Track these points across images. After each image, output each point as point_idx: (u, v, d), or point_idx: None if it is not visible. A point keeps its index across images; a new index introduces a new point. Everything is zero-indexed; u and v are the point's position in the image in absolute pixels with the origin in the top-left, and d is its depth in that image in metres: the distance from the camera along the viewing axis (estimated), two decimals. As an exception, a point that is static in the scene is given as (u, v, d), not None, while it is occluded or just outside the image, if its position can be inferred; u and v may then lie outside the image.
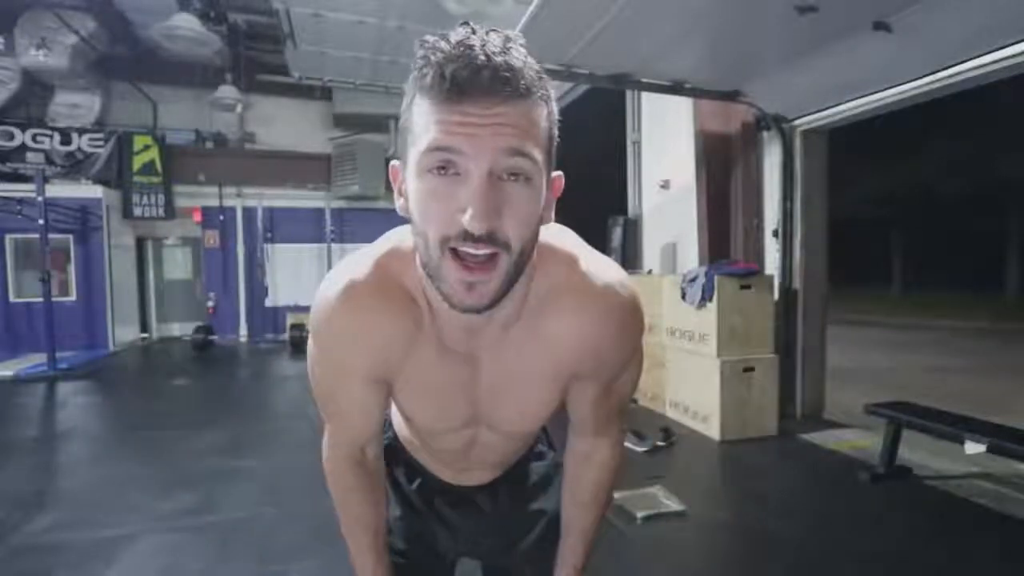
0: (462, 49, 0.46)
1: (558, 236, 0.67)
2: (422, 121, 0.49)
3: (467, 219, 0.47)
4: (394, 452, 0.91)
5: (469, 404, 0.71)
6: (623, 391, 0.76)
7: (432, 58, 0.47)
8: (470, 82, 0.46)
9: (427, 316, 0.64)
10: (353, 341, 0.64)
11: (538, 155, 0.49)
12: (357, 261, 0.65)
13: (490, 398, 0.70)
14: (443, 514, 0.90)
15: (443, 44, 0.47)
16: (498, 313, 0.60)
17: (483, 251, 0.49)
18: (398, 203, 0.57)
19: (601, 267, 0.66)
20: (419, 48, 0.49)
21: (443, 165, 0.48)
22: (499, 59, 0.46)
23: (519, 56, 0.48)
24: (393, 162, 0.58)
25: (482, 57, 0.46)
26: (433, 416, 0.74)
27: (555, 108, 0.54)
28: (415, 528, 0.90)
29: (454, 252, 0.50)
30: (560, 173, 0.58)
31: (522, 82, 0.47)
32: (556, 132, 0.54)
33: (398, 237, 0.66)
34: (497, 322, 0.63)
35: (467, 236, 0.48)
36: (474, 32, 0.48)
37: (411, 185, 0.52)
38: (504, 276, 0.51)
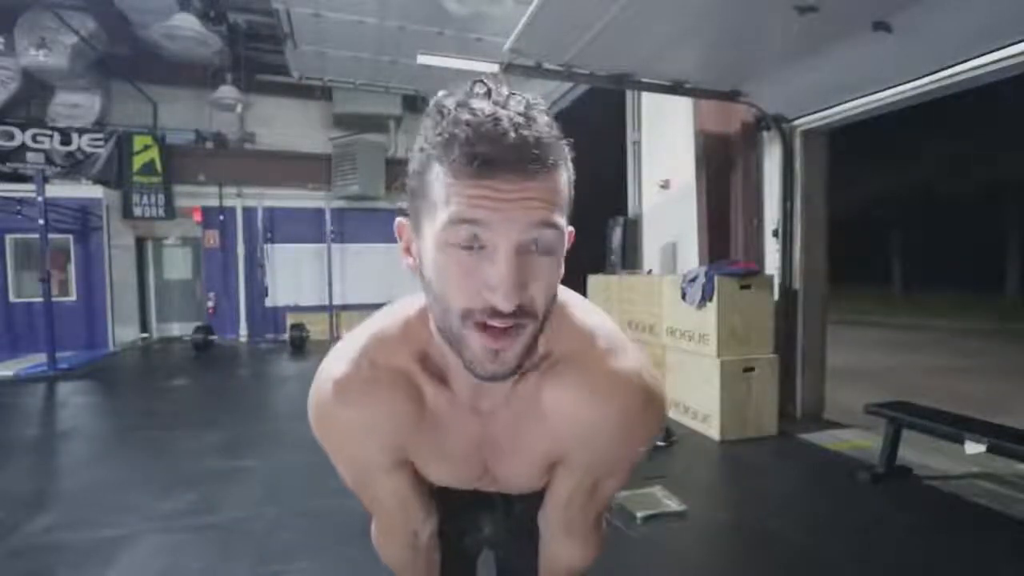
0: (489, 125, 0.45)
1: (580, 306, 0.66)
2: (443, 191, 0.47)
3: (497, 298, 0.46)
4: None
5: (479, 462, 0.70)
6: (607, 493, 0.72)
7: (458, 133, 0.46)
8: (500, 159, 0.45)
9: (430, 387, 0.63)
10: (360, 436, 0.64)
11: (562, 222, 0.49)
12: (342, 355, 0.64)
13: (493, 455, 0.69)
14: (460, 512, 0.91)
15: (467, 116, 0.46)
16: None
17: (509, 324, 0.49)
18: (406, 261, 0.56)
19: (622, 350, 0.63)
20: (437, 114, 0.48)
21: (468, 239, 0.47)
22: (526, 133, 0.45)
23: (543, 124, 0.47)
24: (399, 219, 0.57)
25: (512, 134, 0.45)
26: (443, 478, 0.74)
27: (571, 165, 0.53)
28: (434, 525, 0.91)
29: (477, 324, 0.49)
30: (572, 228, 0.57)
31: (550, 157, 0.47)
32: (572, 191, 0.54)
33: (382, 321, 0.66)
34: (506, 383, 0.62)
35: (494, 312, 0.47)
36: (489, 94, 0.48)
37: (430, 254, 0.50)
38: (526, 343, 0.51)
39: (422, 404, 0.63)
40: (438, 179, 0.48)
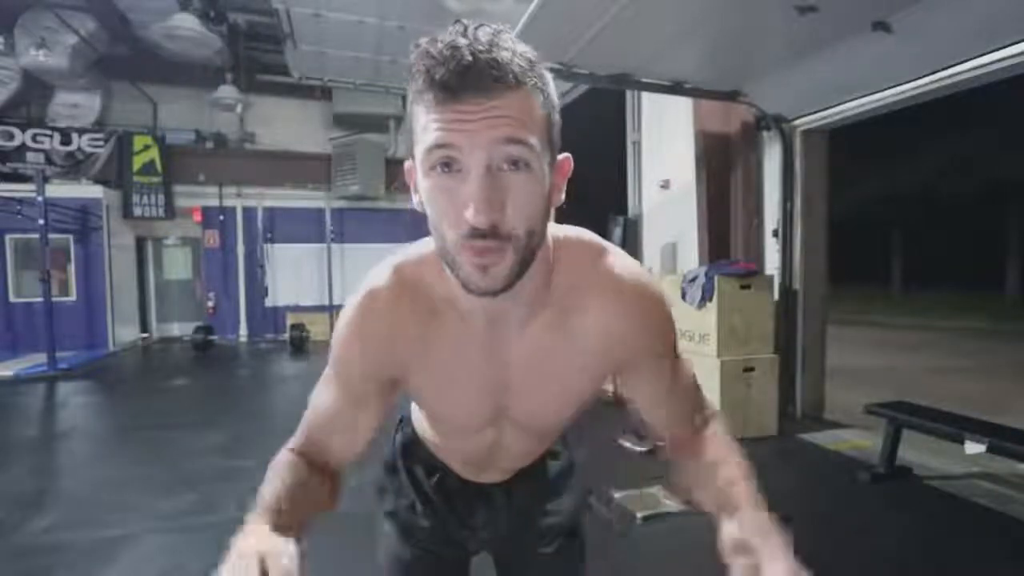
0: (449, 51, 0.47)
1: (580, 232, 0.69)
2: (421, 122, 0.51)
3: (469, 214, 0.48)
4: (413, 449, 0.92)
5: (493, 400, 0.71)
6: (683, 371, 0.75)
7: (422, 64, 0.49)
8: (459, 83, 0.47)
9: (449, 312, 0.65)
10: (358, 340, 0.65)
11: (535, 141, 0.50)
12: (376, 271, 0.67)
13: (515, 393, 0.70)
14: (460, 509, 0.91)
15: (431, 48, 0.48)
16: (517, 301, 0.61)
17: (490, 244, 0.50)
18: (414, 198, 0.58)
19: (625, 262, 0.68)
20: (412, 52, 0.51)
21: (445, 162, 0.50)
22: (485, 56, 0.47)
23: (507, 49, 0.49)
24: (407, 162, 0.59)
25: (468, 57, 0.47)
26: (457, 411, 0.74)
27: (552, 93, 0.54)
28: (433, 523, 0.91)
29: (464, 245, 0.51)
30: (568, 155, 0.59)
31: (511, 75, 0.48)
32: (557, 116, 0.55)
33: (414, 246, 0.68)
34: (518, 313, 0.64)
35: (474, 232, 0.49)
36: (464, 30, 0.49)
37: (420, 183, 0.54)
38: (514, 260, 0.52)
39: (437, 323, 0.65)
40: (416, 110, 0.51)
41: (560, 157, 0.57)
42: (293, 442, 0.72)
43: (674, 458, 0.76)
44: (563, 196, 0.59)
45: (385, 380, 0.68)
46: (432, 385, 0.70)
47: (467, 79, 0.47)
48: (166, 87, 8.39)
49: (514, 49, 0.49)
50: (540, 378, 0.68)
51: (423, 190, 0.53)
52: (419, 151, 0.51)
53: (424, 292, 0.64)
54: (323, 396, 0.70)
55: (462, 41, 0.48)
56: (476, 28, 0.49)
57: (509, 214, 0.50)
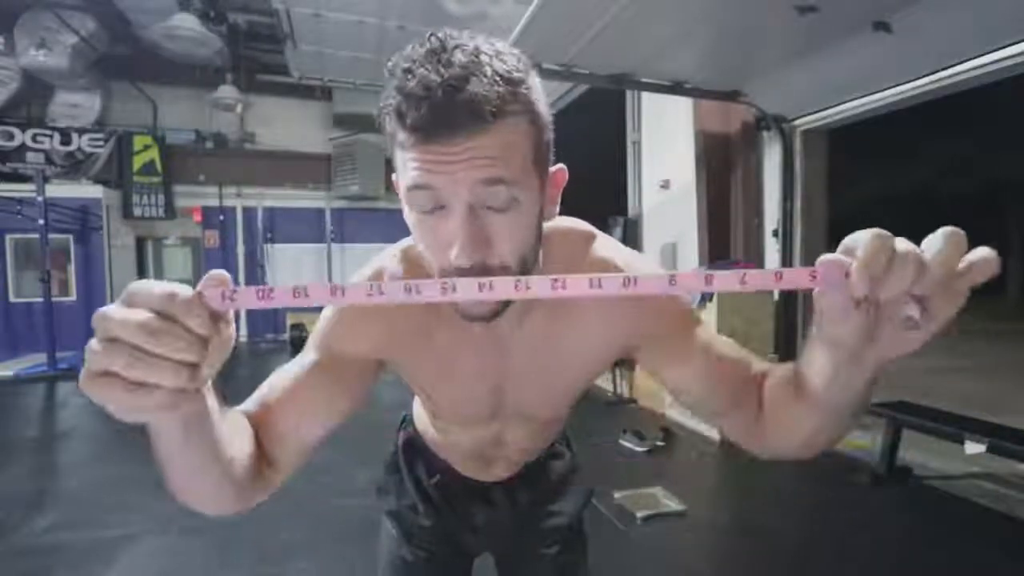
0: (421, 90, 0.44)
1: (570, 222, 0.68)
2: (401, 157, 0.49)
3: (454, 254, 0.47)
4: (414, 448, 0.92)
5: (494, 390, 0.70)
6: (715, 346, 0.66)
7: (392, 100, 0.47)
8: (432, 126, 0.45)
9: (449, 302, 0.63)
10: (361, 313, 0.62)
11: (520, 176, 0.48)
12: (385, 253, 0.67)
13: (515, 383, 0.70)
14: (461, 510, 0.90)
15: (403, 83, 0.46)
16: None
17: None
18: (404, 210, 0.57)
19: (617, 246, 0.68)
20: (390, 77, 0.48)
21: (427, 202, 0.48)
22: (460, 94, 0.44)
23: (486, 76, 0.45)
24: (393, 174, 0.58)
25: (440, 95, 0.44)
26: (458, 401, 0.73)
27: (542, 109, 0.51)
28: (434, 523, 0.90)
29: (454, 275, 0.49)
30: (561, 166, 0.57)
31: (488, 112, 0.45)
32: (547, 133, 0.52)
33: (408, 243, 0.67)
34: (515, 306, 0.61)
35: (460, 270, 0.48)
36: (439, 56, 0.46)
37: (405, 213, 0.53)
38: None
39: (443, 314, 0.63)
40: (394, 149, 0.50)
41: (553, 169, 0.55)
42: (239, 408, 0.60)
43: (760, 442, 0.64)
44: (557, 208, 0.58)
45: (372, 362, 0.64)
46: (433, 373, 0.69)
47: (441, 122, 0.44)
48: (166, 87, 8.39)
49: (495, 73, 0.46)
50: (539, 368, 0.68)
51: (408, 219, 0.53)
52: (401, 184, 0.50)
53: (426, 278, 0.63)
54: (295, 362, 0.63)
55: (434, 79, 0.44)
56: (454, 48, 0.46)
57: (497, 248, 0.49)
